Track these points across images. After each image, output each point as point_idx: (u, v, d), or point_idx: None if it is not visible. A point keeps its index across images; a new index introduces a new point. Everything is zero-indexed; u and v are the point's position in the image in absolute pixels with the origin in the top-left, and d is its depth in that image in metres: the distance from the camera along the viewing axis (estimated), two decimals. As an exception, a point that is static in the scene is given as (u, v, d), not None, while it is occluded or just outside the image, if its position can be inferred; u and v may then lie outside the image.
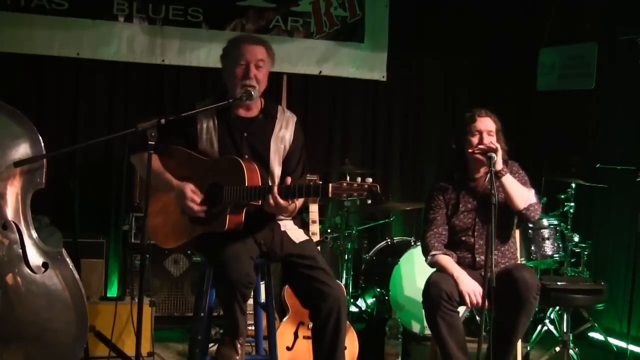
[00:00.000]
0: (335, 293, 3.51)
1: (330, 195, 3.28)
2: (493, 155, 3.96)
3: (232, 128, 3.67)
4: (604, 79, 5.85)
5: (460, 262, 4.17)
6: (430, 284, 3.99)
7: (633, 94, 5.61)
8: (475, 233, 4.17)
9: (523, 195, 4.07)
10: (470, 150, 4.09)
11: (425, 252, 4.20)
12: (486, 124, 4.14)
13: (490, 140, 4.08)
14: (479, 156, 4.04)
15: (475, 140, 4.11)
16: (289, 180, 3.44)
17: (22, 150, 3.63)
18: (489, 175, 3.92)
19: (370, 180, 3.29)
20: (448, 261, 4.10)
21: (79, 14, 5.66)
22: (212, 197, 3.53)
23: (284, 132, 3.74)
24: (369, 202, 3.30)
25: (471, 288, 3.98)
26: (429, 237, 4.19)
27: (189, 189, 3.51)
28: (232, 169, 3.49)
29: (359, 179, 3.28)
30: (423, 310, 4.02)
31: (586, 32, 5.96)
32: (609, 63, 5.82)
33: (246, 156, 3.61)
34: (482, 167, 4.11)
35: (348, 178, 3.30)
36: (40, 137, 3.66)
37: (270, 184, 3.62)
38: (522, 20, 6.39)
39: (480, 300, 3.93)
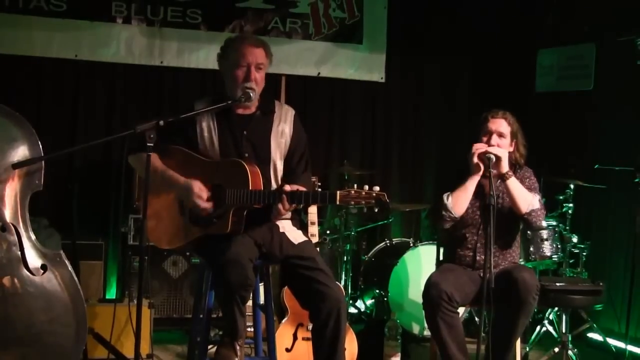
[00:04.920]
0: (334, 294, 3.52)
1: (338, 203, 3.31)
2: (492, 156, 3.97)
3: (231, 127, 3.68)
4: (602, 80, 5.86)
5: (460, 261, 4.18)
6: (430, 284, 3.98)
7: (631, 95, 5.61)
8: (480, 232, 4.17)
9: (526, 199, 4.07)
10: (473, 151, 4.09)
11: (440, 205, 4.13)
12: (497, 126, 4.15)
13: (498, 143, 4.10)
14: (477, 159, 4.05)
15: (484, 140, 4.12)
16: (287, 188, 3.45)
17: (21, 152, 3.62)
18: (495, 177, 3.94)
19: (377, 188, 3.32)
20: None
21: (78, 16, 5.66)
22: (214, 199, 3.54)
23: (283, 125, 3.75)
24: (376, 210, 3.32)
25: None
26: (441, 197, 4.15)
27: (197, 186, 3.52)
28: (235, 171, 3.50)
29: (366, 187, 3.30)
30: (423, 311, 4.02)
31: (585, 33, 5.96)
32: (607, 64, 5.82)
33: (246, 154, 3.62)
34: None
35: (355, 186, 3.31)
36: (38, 139, 3.66)
37: (273, 182, 3.64)
38: (520, 21, 6.39)
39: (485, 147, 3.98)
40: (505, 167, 4.04)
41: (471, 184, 4.09)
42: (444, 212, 4.11)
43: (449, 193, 4.11)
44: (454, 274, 4.10)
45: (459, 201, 4.10)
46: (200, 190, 3.52)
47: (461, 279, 4.07)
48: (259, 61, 3.65)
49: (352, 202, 3.31)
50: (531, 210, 4.08)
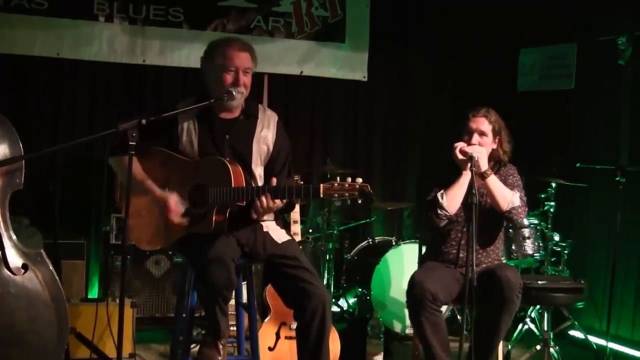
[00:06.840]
0: (319, 292, 3.52)
1: (321, 195, 3.30)
2: (474, 155, 3.97)
3: (213, 130, 3.66)
4: (583, 80, 5.89)
5: (444, 257, 4.20)
6: (414, 283, 3.98)
7: (612, 94, 5.64)
8: (464, 229, 4.17)
9: (505, 197, 4.08)
10: (456, 149, 4.09)
11: (434, 202, 4.11)
12: (478, 124, 4.15)
13: (479, 141, 4.11)
14: (461, 155, 4.05)
15: (465, 139, 4.13)
16: (274, 180, 3.45)
17: (1, 151, 3.59)
18: (476, 175, 3.94)
19: (360, 180, 3.31)
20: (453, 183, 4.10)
21: (59, 14, 5.61)
22: (196, 198, 3.53)
23: (266, 132, 3.74)
24: (360, 202, 3.32)
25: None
26: (433, 196, 4.14)
27: (173, 201, 3.52)
28: (218, 169, 3.49)
29: (349, 179, 3.30)
30: (406, 310, 4.03)
31: (566, 33, 5.99)
32: (588, 63, 5.86)
33: (227, 158, 3.60)
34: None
35: (338, 179, 3.31)
36: (18, 138, 3.63)
37: (253, 185, 3.62)
38: (503, 21, 6.41)
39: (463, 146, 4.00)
40: (483, 165, 4.05)
41: (465, 180, 4.07)
42: (439, 211, 4.10)
43: (442, 192, 4.11)
44: (438, 272, 4.11)
45: (454, 199, 4.09)
46: (175, 207, 3.52)
47: (444, 278, 4.08)
48: (247, 65, 3.64)
49: (336, 195, 3.31)
50: (511, 207, 4.09)
